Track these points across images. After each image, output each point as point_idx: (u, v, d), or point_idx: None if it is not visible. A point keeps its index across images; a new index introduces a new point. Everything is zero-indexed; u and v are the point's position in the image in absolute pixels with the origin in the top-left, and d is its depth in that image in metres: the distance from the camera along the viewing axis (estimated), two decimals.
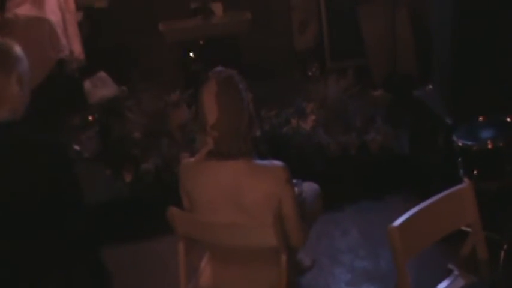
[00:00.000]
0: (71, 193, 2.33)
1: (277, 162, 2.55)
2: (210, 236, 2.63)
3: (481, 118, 3.49)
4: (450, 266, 2.77)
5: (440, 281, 2.70)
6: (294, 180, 2.84)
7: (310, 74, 5.65)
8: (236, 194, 2.49)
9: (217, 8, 6.05)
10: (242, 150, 2.49)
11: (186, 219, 2.63)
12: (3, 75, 2.31)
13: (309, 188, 3.14)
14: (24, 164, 2.23)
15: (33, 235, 2.24)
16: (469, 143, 3.30)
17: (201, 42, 5.73)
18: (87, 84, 5.69)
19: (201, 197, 2.56)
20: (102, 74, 5.78)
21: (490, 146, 3.24)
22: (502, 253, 3.39)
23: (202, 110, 2.50)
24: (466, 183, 2.69)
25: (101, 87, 5.72)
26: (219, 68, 2.57)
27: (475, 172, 3.30)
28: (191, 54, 5.72)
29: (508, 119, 3.37)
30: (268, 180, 2.48)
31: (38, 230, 2.24)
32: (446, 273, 2.75)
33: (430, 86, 4.21)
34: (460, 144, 3.32)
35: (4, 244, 2.22)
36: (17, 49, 2.37)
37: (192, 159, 2.64)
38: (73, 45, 5.42)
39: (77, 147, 4.90)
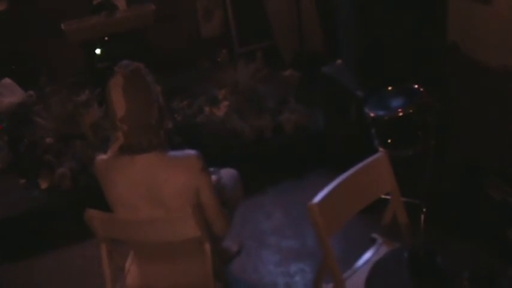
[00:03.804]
0: None
1: (191, 152, 2.50)
2: (132, 235, 2.57)
3: (389, 88, 3.53)
4: (373, 235, 2.82)
5: (365, 251, 2.74)
6: (211, 168, 2.82)
7: (219, 60, 5.63)
8: (152, 188, 2.44)
9: (121, 3, 5.94)
10: (153, 143, 2.43)
11: (105, 219, 2.55)
12: None
13: (227, 174, 3.12)
14: None
15: None
16: (381, 113, 3.33)
17: (106, 38, 5.61)
18: None
19: (117, 194, 2.50)
20: (6, 81, 5.59)
21: (400, 114, 3.27)
22: (422, 216, 3.48)
23: (111, 104, 2.44)
24: (381, 152, 2.73)
25: (6, 95, 5.53)
26: (125, 62, 2.50)
27: (389, 141, 3.34)
28: (97, 51, 5.59)
29: (416, 86, 3.43)
30: (183, 172, 2.44)
31: None
32: (371, 243, 2.79)
33: (339, 61, 4.24)
34: (372, 115, 3.35)
35: None
36: None
37: (105, 156, 2.56)
38: None
39: None
